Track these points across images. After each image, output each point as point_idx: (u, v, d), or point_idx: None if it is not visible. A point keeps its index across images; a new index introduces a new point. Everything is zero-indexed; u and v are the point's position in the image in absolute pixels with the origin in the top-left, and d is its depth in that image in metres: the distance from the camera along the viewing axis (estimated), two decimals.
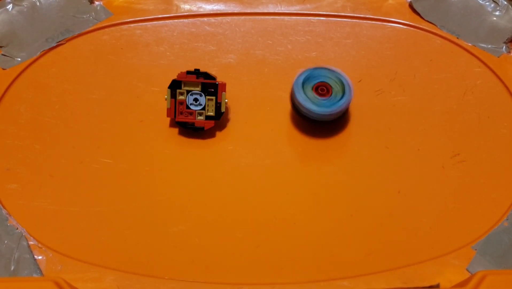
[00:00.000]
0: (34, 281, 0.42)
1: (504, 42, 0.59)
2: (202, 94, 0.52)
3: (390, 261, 0.46)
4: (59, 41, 0.59)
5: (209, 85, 0.52)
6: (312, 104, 0.51)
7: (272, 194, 0.50)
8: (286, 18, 0.62)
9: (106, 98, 0.56)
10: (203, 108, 0.52)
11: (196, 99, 0.52)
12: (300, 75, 0.53)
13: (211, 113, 0.52)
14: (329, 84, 0.52)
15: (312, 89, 0.52)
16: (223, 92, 0.52)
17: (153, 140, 0.53)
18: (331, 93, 0.52)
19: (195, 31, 0.61)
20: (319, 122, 0.53)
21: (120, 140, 0.53)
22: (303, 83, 0.52)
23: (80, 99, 0.56)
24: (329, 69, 0.53)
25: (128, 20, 0.61)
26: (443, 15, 0.62)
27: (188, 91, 0.52)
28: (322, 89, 0.52)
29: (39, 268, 0.45)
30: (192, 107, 0.52)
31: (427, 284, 0.44)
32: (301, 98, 0.52)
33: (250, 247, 0.47)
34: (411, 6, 0.62)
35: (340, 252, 0.47)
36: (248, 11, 0.63)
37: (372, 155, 0.53)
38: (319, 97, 0.52)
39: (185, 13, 0.62)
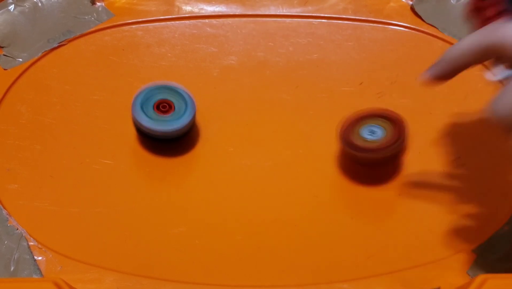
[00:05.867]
0: (33, 282, 0.42)
1: None
2: None
3: (390, 264, 0.46)
4: (61, 42, 0.59)
5: None
6: (153, 123, 0.50)
7: (272, 196, 0.50)
8: (288, 20, 0.62)
9: (107, 99, 0.56)
10: None
11: None
12: (138, 95, 0.51)
13: None
14: (170, 101, 0.51)
15: (153, 108, 0.50)
16: None
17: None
18: (174, 110, 0.50)
19: (196, 33, 0.61)
20: None
21: (120, 141, 0.53)
22: (142, 104, 0.50)
23: (81, 100, 0.56)
24: (168, 87, 0.51)
25: (130, 21, 0.61)
26: (444, 18, 0.62)
27: None
28: (164, 106, 0.50)
29: (39, 269, 0.45)
30: None
31: (427, 287, 0.44)
32: (141, 118, 0.50)
33: (250, 249, 0.47)
34: (412, 9, 0.62)
35: (340, 255, 0.47)
36: (250, 13, 0.62)
37: None
38: (161, 115, 0.50)
39: (187, 15, 0.62)
